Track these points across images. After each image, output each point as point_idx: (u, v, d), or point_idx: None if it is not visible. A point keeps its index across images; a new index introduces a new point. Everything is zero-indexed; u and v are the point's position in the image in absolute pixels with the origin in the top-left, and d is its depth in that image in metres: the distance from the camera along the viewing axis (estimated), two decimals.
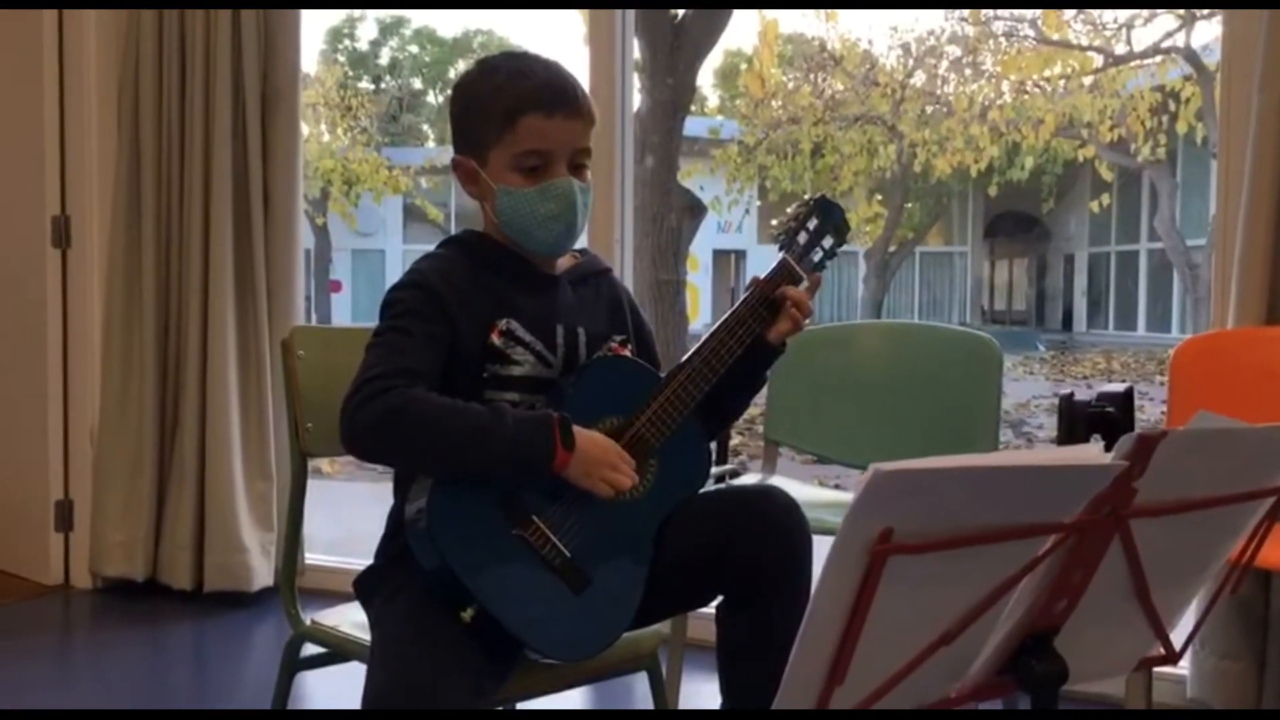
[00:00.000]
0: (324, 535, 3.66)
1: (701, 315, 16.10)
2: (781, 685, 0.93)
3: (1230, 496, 1.05)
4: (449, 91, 1.64)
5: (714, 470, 2.24)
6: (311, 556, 3.37)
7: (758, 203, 18.41)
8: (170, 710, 2.44)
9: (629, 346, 1.65)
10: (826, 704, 0.94)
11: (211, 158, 3.18)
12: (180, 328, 3.25)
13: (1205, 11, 11.64)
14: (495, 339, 1.52)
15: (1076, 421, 1.75)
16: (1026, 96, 13.80)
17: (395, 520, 1.54)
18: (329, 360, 1.70)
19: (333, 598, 1.74)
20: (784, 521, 1.46)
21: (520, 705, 1.95)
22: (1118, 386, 1.87)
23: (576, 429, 1.42)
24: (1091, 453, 0.96)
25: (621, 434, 1.47)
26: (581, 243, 1.71)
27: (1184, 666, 2.41)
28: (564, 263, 1.66)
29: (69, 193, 3.36)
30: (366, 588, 1.55)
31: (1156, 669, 2.15)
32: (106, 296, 3.30)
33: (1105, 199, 15.34)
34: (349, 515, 4.66)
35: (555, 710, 2.31)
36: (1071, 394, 1.84)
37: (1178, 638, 1.17)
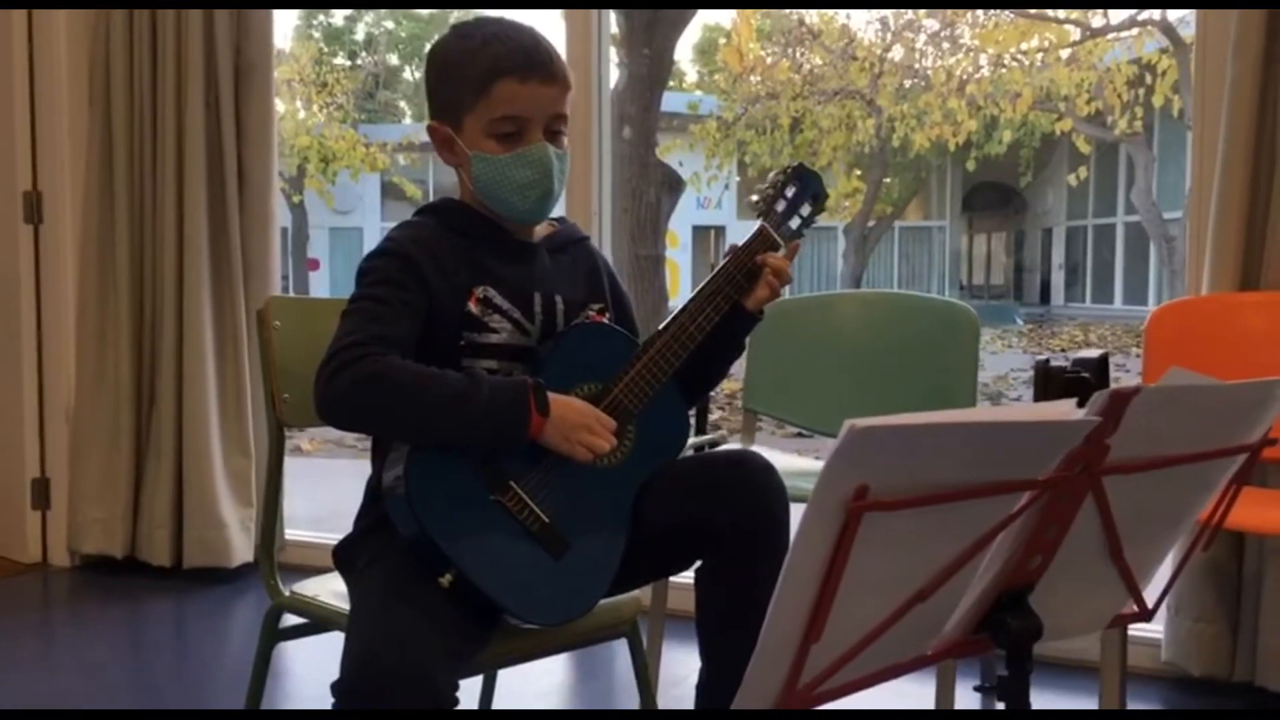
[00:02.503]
0: (304, 512, 3.66)
1: (681, 291, 16.09)
2: (758, 643, 0.93)
3: (1202, 454, 1.06)
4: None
5: (694, 440, 2.25)
6: (292, 532, 3.37)
7: (737, 178, 18.41)
8: (152, 711, 2.43)
9: (607, 314, 1.65)
10: (803, 662, 0.94)
11: (184, 131, 3.15)
12: (155, 304, 3.22)
13: None
14: (472, 307, 1.51)
15: (1052, 386, 1.76)
16: (1004, 70, 13.82)
17: (373, 488, 1.54)
18: (305, 331, 1.69)
19: (313, 572, 1.73)
20: (761, 484, 1.47)
21: (502, 673, 1.96)
22: (1093, 352, 1.88)
23: (554, 395, 1.42)
24: (1064, 409, 0.96)
25: (599, 400, 1.48)
26: (560, 212, 1.71)
27: (1159, 630, 2.44)
28: (541, 230, 1.65)
29: (40, 168, 3.32)
30: (345, 556, 1.56)
31: (1132, 632, 2.19)
32: (80, 273, 3.28)
33: (1082, 172, 15.42)
34: (329, 492, 4.64)
35: (533, 710, 2.32)
36: (1047, 359, 1.85)
37: (1151, 595, 1.18)
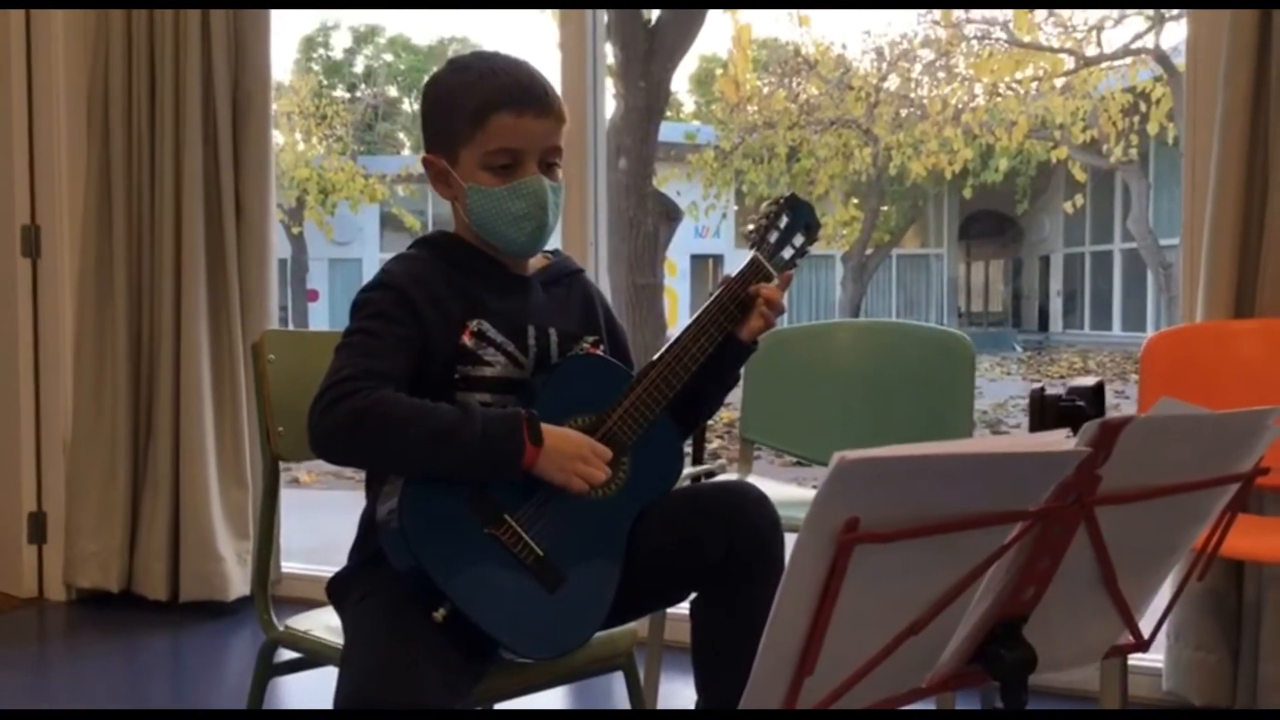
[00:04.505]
0: (302, 544, 3.64)
1: (680, 320, 16.08)
2: (751, 677, 0.93)
3: (1194, 483, 1.06)
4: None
5: (690, 470, 2.25)
6: (289, 565, 3.36)
7: (735, 207, 18.46)
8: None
9: (601, 346, 1.65)
10: (796, 695, 0.94)
11: (182, 164, 3.16)
12: (152, 337, 3.23)
13: (1174, 12, 11.77)
14: (466, 340, 1.52)
15: (1047, 415, 1.76)
16: (999, 99, 13.89)
17: (367, 522, 1.54)
18: (300, 364, 1.69)
19: (311, 605, 1.73)
20: (755, 515, 1.46)
21: (498, 706, 1.94)
22: (1088, 380, 1.88)
23: (548, 426, 1.42)
24: (1055, 440, 0.96)
25: (593, 432, 1.47)
26: (555, 244, 1.71)
27: (1159, 659, 2.43)
28: (536, 263, 1.66)
29: (38, 202, 3.33)
30: (340, 590, 1.55)
31: (1132, 662, 2.18)
32: (78, 306, 3.28)
33: (1079, 200, 15.47)
34: (326, 524, 4.62)
35: (535, 710, 2.31)
36: (1043, 388, 1.85)
37: (1148, 625, 1.18)
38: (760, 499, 1.48)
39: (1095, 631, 1.15)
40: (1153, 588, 1.16)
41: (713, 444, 7.04)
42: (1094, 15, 13.01)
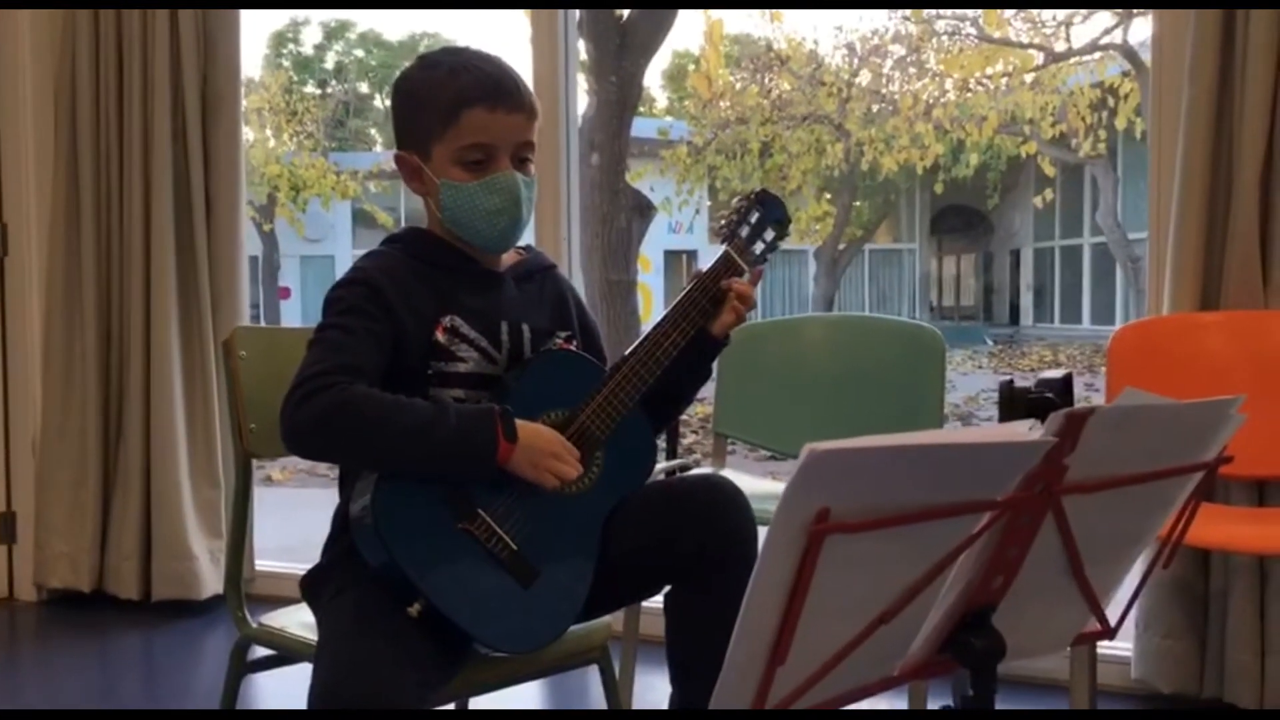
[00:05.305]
0: (277, 542, 3.63)
1: (654, 315, 16.07)
2: (724, 668, 0.93)
3: (1159, 472, 1.07)
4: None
5: (664, 465, 2.25)
6: (264, 563, 3.34)
7: (708, 203, 18.50)
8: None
9: (574, 342, 1.65)
10: (769, 685, 0.95)
11: (151, 162, 3.14)
12: (122, 335, 3.20)
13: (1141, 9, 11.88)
14: (440, 336, 1.52)
15: (1016, 407, 1.77)
16: (969, 94, 13.97)
17: (341, 518, 1.54)
18: (271, 360, 1.69)
19: (285, 603, 1.72)
20: (727, 508, 1.47)
21: (473, 701, 1.95)
22: (1056, 373, 1.89)
23: (520, 421, 1.42)
24: (1022, 430, 0.98)
25: (566, 427, 1.48)
26: (528, 240, 1.72)
27: (1128, 647, 2.45)
28: (508, 259, 1.66)
29: (5, 199, 3.30)
30: (313, 586, 1.55)
31: (1101, 650, 2.20)
32: (46, 304, 3.25)
33: (1048, 194, 15.59)
34: (302, 521, 4.61)
35: (508, 710, 2.31)
36: (1011, 380, 1.86)
37: (1114, 613, 1.19)
38: (734, 492, 1.49)
39: (1063, 619, 1.17)
40: (1119, 576, 1.17)
41: (687, 439, 7.05)
42: (1063, 11, 13.11)
